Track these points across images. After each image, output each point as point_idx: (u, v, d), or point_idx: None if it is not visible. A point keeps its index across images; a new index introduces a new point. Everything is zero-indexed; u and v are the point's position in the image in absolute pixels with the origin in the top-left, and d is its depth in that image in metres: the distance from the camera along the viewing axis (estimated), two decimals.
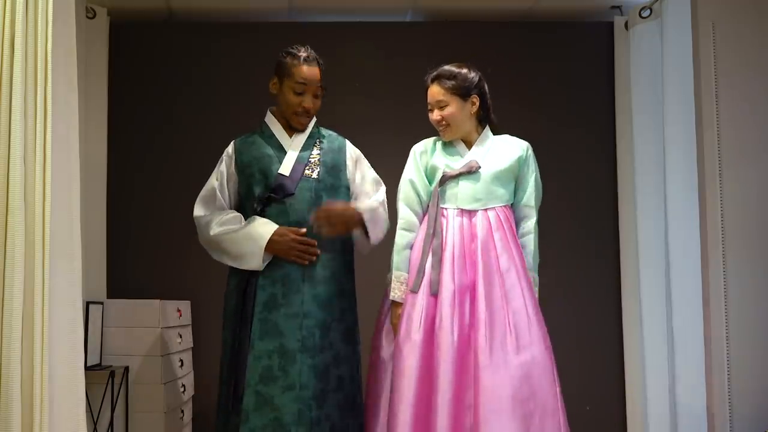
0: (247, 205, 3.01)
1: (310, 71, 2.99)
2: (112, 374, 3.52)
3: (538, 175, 3.03)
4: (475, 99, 2.96)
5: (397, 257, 2.93)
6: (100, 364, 3.61)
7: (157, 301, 3.70)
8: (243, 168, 3.01)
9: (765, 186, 3.51)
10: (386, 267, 2.99)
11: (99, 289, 4.10)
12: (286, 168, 2.96)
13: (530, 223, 2.98)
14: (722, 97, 3.53)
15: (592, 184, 4.48)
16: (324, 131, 3.13)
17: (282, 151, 3.00)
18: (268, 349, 2.83)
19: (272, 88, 3.04)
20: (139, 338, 3.67)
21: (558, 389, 2.75)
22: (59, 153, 2.47)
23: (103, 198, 4.23)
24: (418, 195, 2.97)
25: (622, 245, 4.33)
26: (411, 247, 2.93)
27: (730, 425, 3.37)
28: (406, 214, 2.97)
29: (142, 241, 4.33)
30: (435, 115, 2.96)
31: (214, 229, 2.95)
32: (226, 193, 3.04)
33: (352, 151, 3.13)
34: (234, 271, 2.96)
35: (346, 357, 2.97)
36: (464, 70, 2.97)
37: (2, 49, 2.35)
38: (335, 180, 3.03)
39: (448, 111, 2.93)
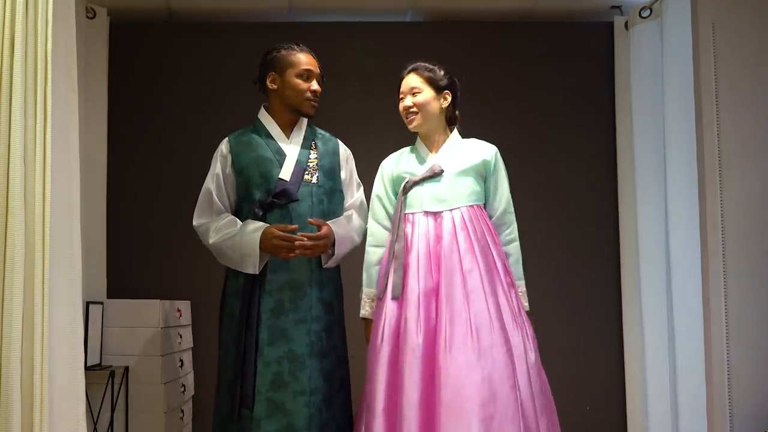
0: (245, 206, 2.99)
1: (310, 58, 3.03)
2: (112, 374, 3.51)
3: (506, 179, 3.03)
4: (447, 95, 2.99)
5: (366, 274, 2.97)
6: (100, 364, 3.61)
7: (157, 301, 3.70)
8: (241, 170, 2.98)
9: (765, 185, 3.51)
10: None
11: (99, 289, 4.10)
12: (286, 173, 2.95)
13: (513, 230, 2.98)
14: (722, 97, 3.52)
15: (592, 184, 4.48)
16: (317, 131, 3.11)
17: (281, 154, 2.98)
18: (278, 355, 2.83)
19: (271, 84, 3.02)
20: (139, 338, 3.66)
21: (527, 392, 2.72)
22: (59, 153, 2.47)
23: (103, 198, 4.23)
24: (386, 210, 3.01)
25: (622, 245, 4.33)
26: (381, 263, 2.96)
27: (730, 425, 3.37)
28: (375, 231, 3.01)
29: (142, 241, 4.33)
30: (406, 102, 2.98)
31: (212, 237, 2.95)
32: (224, 195, 3.01)
33: (344, 151, 3.14)
34: (234, 273, 2.95)
35: (344, 358, 3.00)
36: (441, 68, 3.01)
37: (2, 49, 2.35)
38: (333, 183, 3.04)
39: (420, 98, 2.96)
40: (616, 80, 4.43)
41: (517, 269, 2.94)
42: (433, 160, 2.97)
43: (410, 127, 3.00)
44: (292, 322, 2.85)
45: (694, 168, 3.66)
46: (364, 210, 3.14)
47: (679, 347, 3.86)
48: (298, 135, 3.04)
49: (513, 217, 3.00)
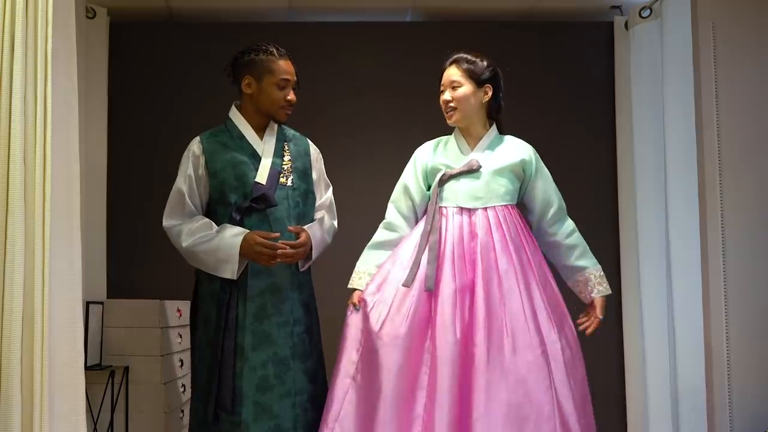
0: (219, 209, 2.94)
1: (289, 66, 2.97)
2: (112, 374, 3.51)
3: (550, 175, 3.02)
4: (488, 89, 2.92)
5: (366, 253, 2.94)
6: (100, 364, 3.61)
7: (157, 301, 3.70)
8: (215, 172, 2.93)
9: (765, 186, 3.51)
10: (344, 272, 2.99)
11: (99, 289, 4.10)
12: (262, 176, 2.90)
13: (570, 221, 2.99)
14: (722, 97, 3.52)
15: (592, 184, 4.48)
16: (288, 131, 3.08)
17: (255, 157, 2.94)
18: (263, 359, 2.83)
19: (246, 88, 2.96)
20: (139, 338, 3.66)
21: (565, 393, 2.71)
22: (59, 153, 2.46)
23: (103, 198, 4.23)
24: (411, 199, 2.97)
25: (622, 244, 4.33)
26: (387, 247, 2.93)
27: (730, 425, 3.37)
28: (390, 215, 2.98)
29: (142, 241, 4.33)
30: (445, 96, 2.92)
31: (186, 240, 2.90)
32: (197, 196, 2.97)
33: (314, 151, 3.11)
34: (208, 277, 2.91)
35: (323, 357, 3.02)
36: (484, 60, 2.94)
37: (2, 49, 2.35)
38: (307, 185, 3.02)
39: (459, 92, 2.89)
40: (616, 80, 4.43)
41: (590, 255, 2.98)
42: (472, 155, 2.93)
43: (449, 122, 2.95)
44: (276, 326, 2.85)
45: (694, 168, 3.66)
46: (333, 210, 3.14)
47: (679, 347, 3.86)
48: (271, 136, 2.99)
49: (564, 211, 3.00)
